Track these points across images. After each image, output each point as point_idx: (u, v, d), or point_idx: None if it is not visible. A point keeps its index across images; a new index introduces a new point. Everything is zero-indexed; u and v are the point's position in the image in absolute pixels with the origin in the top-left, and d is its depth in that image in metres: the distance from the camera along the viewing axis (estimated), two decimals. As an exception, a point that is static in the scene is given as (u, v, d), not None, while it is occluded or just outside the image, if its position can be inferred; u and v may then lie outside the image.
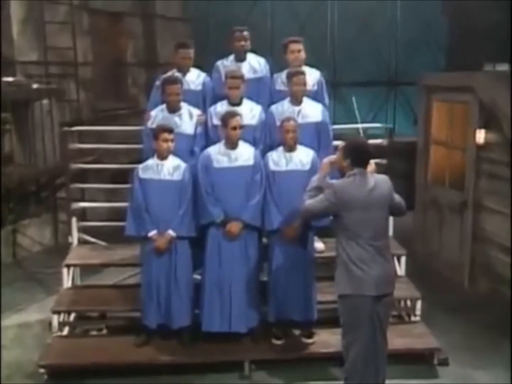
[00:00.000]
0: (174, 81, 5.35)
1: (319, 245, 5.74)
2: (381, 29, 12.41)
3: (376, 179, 4.19)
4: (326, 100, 5.76)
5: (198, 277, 5.33)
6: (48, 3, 8.82)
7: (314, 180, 4.38)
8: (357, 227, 4.08)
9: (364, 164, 4.18)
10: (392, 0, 12.21)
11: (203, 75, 5.75)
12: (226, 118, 5.06)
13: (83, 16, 9.74)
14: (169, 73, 5.67)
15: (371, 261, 4.09)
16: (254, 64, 5.77)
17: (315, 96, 5.63)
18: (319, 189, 4.28)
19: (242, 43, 5.67)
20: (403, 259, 5.97)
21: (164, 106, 5.44)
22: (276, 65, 5.86)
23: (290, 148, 5.12)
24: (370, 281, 4.06)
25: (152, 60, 11.19)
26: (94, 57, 10.07)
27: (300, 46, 5.61)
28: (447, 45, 11.26)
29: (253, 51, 5.85)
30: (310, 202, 4.23)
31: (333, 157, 4.42)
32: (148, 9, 11.25)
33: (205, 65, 5.92)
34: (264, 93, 5.72)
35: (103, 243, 6.59)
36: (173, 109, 5.37)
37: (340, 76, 12.05)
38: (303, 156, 5.14)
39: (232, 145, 5.10)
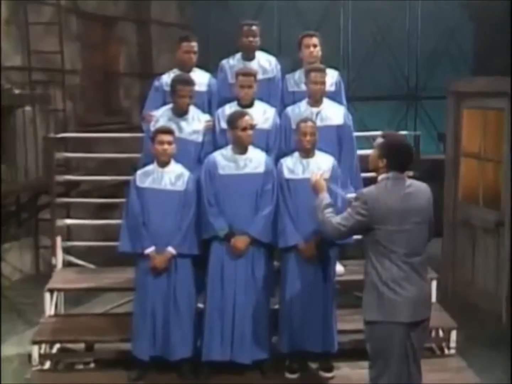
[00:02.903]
0: (188, 82, 5.20)
1: (338, 267, 5.56)
2: (399, 39, 12.43)
3: (413, 185, 4.05)
4: (345, 102, 5.69)
5: (201, 305, 5.15)
6: (33, 3, 8.77)
7: (321, 200, 4.28)
8: (390, 241, 3.91)
9: (402, 168, 4.02)
10: (412, 2, 12.22)
11: (208, 75, 5.66)
12: (234, 118, 4.92)
13: (72, 19, 9.71)
14: (170, 73, 5.56)
15: (405, 280, 3.92)
16: (263, 63, 5.67)
17: (333, 97, 5.54)
18: (333, 205, 4.28)
19: (251, 39, 5.58)
20: (434, 283, 5.75)
21: (169, 107, 5.29)
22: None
23: (307, 153, 4.97)
24: (404, 304, 3.89)
25: (147, 70, 11.11)
26: (83, 65, 10.04)
27: (315, 41, 5.55)
28: (473, 51, 11.26)
29: (263, 49, 5.74)
30: (336, 221, 4.07)
31: (324, 172, 4.64)
32: (143, 14, 11.25)
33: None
34: (275, 96, 5.62)
35: (91, 266, 6.50)
36: (181, 112, 5.23)
37: (354, 89, 11.98)
38: (322, 163, 4.98)
39: (242, 149, 4.95)
